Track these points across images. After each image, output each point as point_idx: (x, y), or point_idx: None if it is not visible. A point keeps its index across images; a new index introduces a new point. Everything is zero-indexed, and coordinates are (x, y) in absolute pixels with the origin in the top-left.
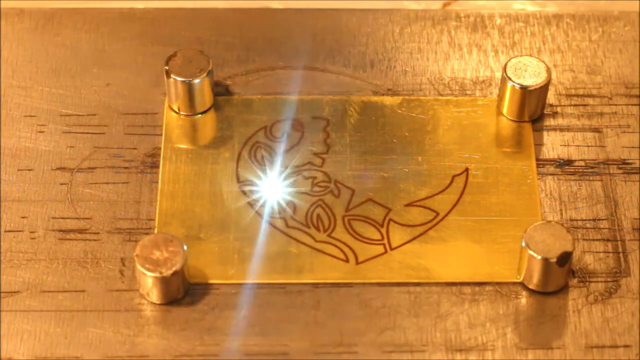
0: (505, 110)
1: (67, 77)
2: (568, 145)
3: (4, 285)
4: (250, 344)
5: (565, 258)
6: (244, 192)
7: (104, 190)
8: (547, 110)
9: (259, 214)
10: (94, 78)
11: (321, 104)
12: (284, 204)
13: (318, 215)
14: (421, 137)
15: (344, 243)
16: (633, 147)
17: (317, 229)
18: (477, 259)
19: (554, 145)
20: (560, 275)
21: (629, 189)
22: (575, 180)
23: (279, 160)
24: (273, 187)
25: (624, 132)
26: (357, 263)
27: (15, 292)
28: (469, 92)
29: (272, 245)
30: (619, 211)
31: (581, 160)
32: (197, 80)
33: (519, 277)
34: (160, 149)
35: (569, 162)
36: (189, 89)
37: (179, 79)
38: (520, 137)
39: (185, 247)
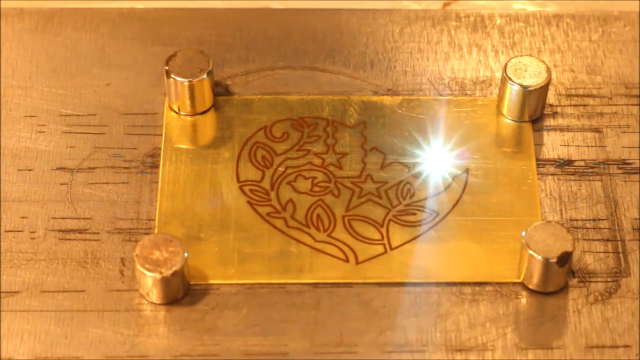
0: (505, 110)
1: (67, 77)
2: (568, 145)
3: (4, 285)
4: (250, 344)
5: (565, 258)
6: (242, 191)
7: (104, 190)
8: (547, 110)
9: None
10: (94, 78)
11: (321, 104)
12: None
13: (318, 215)
14: (421, 137)
15: (344, 243)
16: (633, 147)
17: (317, 229)
18: (477, 259)
19: (554, 145)
20: (560, 275)
21: (629, 189)
22: (575, 180)
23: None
24: (435, 160)
25: (624, 132)
26: (357, 263)
27: (15, 292)
28: (469, 92)
29: (272, 245)
30: (619, 211)
31: (581, 160)
32: (197, 80)
33: (519, 277)
34: (160, 149)
35: (569, 162)
36: (189, 89)
37: (179, 79)
38: (520, 137)
39: (184, 248)
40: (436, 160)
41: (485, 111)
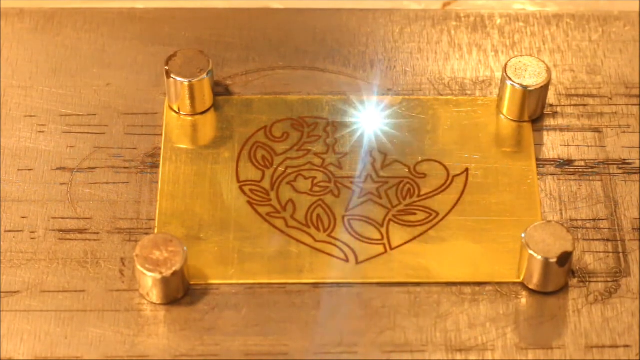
0: (505, 110)
1: (67, 77)
2: (568, 145)
3: (4, 285)
4: (250, 344)
5: (565, 258)
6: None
7: (104, 190)
8: (547, 110)
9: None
10: (94, 78)
11: (321, 104)
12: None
13: (318, 215)
14: (421, 137)
15: (344, 243)
16: (633, 147)
17: (317, 228)
18: (477, 259)
19: (554, 145)
20: (560, 275)
21: (629, 189)
22: (575, 180)
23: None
24: (370, 119)
25: (624, 132)
26: (357, 263)
27: (15, 292)
28: (469, 92)
29: (272, 245)
30: (619, 211)
31: (581, 160)
32: (197, 80)
33: (519, 277)
34: (160, 149)
35: (569, 162)
36: (189, 89)
37: (179, 79)
38: (520, 137)
39: (185, 247)
40: (435, 160)
41: (485, 111)
